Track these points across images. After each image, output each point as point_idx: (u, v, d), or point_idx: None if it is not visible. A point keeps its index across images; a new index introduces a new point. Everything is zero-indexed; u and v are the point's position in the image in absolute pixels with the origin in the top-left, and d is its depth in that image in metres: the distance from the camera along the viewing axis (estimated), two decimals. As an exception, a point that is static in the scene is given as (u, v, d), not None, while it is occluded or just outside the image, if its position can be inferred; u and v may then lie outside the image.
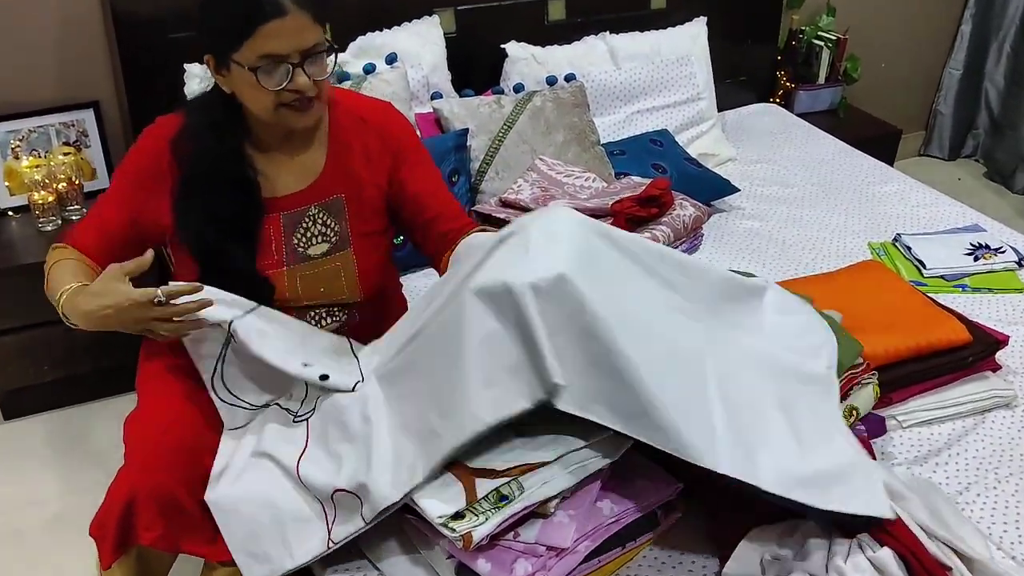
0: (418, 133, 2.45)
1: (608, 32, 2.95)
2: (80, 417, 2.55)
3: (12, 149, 2.53)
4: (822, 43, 3.40)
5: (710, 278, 1.55)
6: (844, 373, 1.73)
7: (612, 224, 1.85)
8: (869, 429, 1.73)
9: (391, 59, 2.53)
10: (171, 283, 1.45)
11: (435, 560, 1.39)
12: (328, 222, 1.69)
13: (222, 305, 1.49)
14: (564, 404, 1.33)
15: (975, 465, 1.72)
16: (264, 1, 1.45)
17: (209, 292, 1.48)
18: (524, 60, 2.78)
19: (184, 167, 1.60)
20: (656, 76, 2.94)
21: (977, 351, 1.89)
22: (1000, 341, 1.90)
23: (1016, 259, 2.34)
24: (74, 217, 2.50)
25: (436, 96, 2.61)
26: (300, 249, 1.67)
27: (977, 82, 3.97)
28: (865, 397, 1.75)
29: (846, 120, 3.46)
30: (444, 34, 2.72)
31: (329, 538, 1.41)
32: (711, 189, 2.68)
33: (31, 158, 2.52)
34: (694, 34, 3.04)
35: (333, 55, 1.56)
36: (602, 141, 2.70)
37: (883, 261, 2.41)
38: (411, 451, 1.37)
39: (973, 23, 3.84)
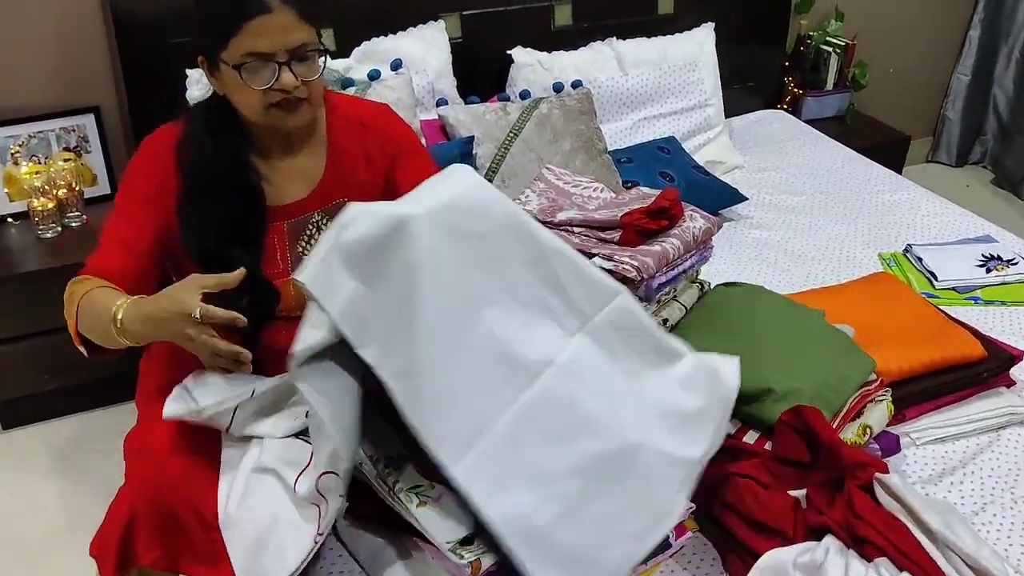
0: (423, 140, 2.43)
1: (615, 38, 2.92)
2: (79, 427, 2.52)
3: (12, 155, 2.50)
4: (830, 49, 3.37)
5: (619, 308, 1.42)
6: (857, 390, 1.71)
7: (622, 237, 1.82)
8: (883, 447, 1.70)
9: (396, 65, 2.50)
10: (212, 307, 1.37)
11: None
12: None
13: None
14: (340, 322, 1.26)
15: (991, 484, 1.69)
16: None
17: (210, 386, 1.45)
18: (530, 66, 2.76)
19: (186, 174, 1.58)
20: (663, 82, 2.91)
21: (992, 366, 1.86)
22: (1015, 356, 1.87)
23: (1029, 271, 2.31)
24: (74, 224, 2.47)
25: (441, 103, 2.58)
26: (305, 257, 1.64)
27: (986, 88, 3.94)
28: (879, 414, 1.72)
29: (854, 127, 3.42)
30: (449, 39, 2.69)
31: (317, 532, 1.38)
32: (719, 198, 2.65)
33: (31, 164, 2.49)
34: (702, 40, 3.01)
35: (324, 57, 1.55)
36: (609, 148, 2.67)
37: (894, 272, 2.38)
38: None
39: (982, 28, 3.80)
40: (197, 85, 2.38)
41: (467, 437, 1.26)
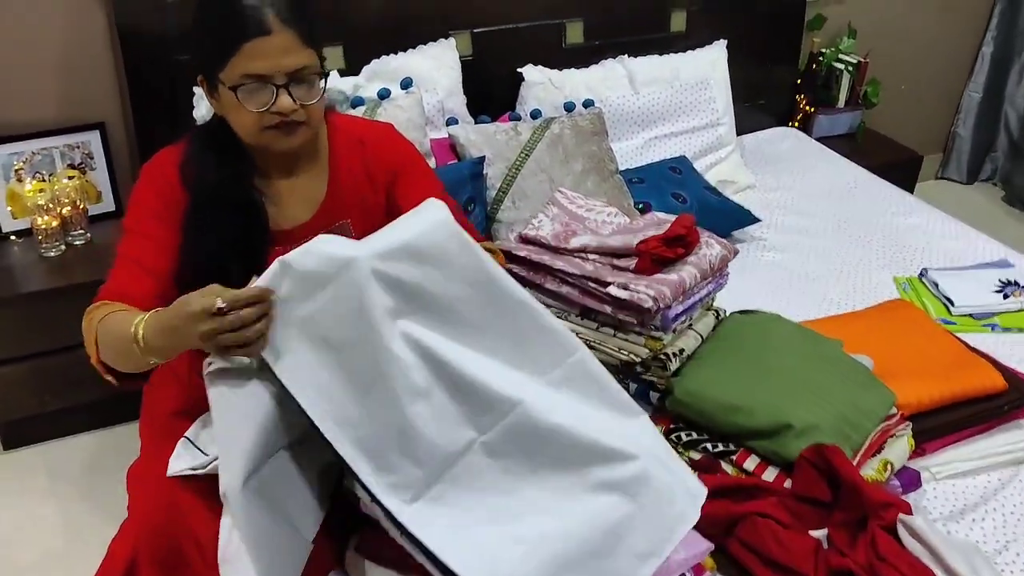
0: (432, 160, 2.40)
1: (627, 55, 2.89)
2: (81, 447, 2.49)
3: (15, 171, 2.46)
4: (842, 66, 3.33)
5: (576, 360, 1.41)
6: (878, 424, 1.67)
7: (638, 265, 1.79)
8: (904, 483, 1.67)
9: (406, 84, 2.47)
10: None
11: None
12: None
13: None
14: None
15: (1013, 521, 1.66)
16: (248, 18, 1.41)
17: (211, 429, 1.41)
18: (541, 84, 2.72)
19: (191, 191, 1.55)
20: (675, 101, 2.88)
21: (1013, 399, 1.84)
22: (1037, 389, 1.84)
23: (1048, 297, 2.28)
24: (78, 243, 2.44)
25: (452, 121, 2.55)
26: None
27: (997, 105, 3.90)
28: (900, 450, 1.69)
29: (864, 144, 3.39)
30: (460, 57, 2.66)
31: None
32: (732, 219, 2.62)
33: (35, 182, 2.45)
34: (714, 58, 2.98)
35: (324, 80, 1.52)
36: (620, 167, 2.63)
37: (909, 296, 2.35)
38: None
39: (995, 45, 3.77)
40: (204, 103, 2.35)
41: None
